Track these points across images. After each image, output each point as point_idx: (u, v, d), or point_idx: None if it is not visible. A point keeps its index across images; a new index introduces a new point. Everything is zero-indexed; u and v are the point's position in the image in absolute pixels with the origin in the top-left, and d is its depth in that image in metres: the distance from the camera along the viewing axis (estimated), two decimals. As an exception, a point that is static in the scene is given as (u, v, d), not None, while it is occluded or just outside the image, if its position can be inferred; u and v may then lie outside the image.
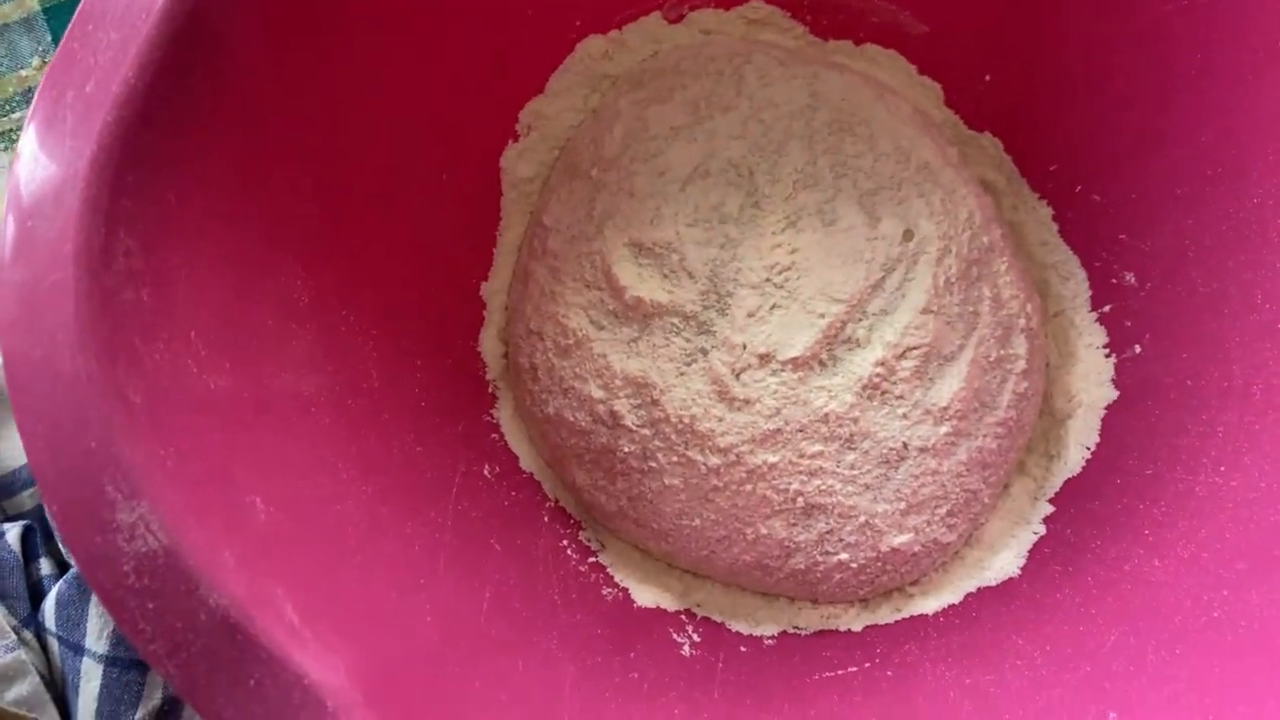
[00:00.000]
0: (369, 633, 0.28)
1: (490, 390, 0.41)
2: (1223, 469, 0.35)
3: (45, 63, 0.45)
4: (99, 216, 0.26)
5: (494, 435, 0.40)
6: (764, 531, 0.37)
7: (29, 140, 0.27)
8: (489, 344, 0.41)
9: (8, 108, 0.45)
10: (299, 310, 0.33)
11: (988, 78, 0.42)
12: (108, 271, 0.26)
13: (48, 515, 0.36)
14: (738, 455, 0.36)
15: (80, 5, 0.28)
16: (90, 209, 0.26)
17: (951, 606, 0.38)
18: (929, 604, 0.38)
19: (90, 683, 0.37)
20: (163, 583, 0.25)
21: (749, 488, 0.36)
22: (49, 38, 0.45)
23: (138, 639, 0.24)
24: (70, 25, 0.28)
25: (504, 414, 0.41)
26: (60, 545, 0.37)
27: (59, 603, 0.36)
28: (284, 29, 0.31)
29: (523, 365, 0.40)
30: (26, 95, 0.45)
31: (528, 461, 0.40)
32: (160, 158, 0.28)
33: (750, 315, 0.37)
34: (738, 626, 0.38)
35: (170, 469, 0.25)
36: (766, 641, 0.38)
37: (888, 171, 0.39)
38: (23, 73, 0.45)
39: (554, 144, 0.42)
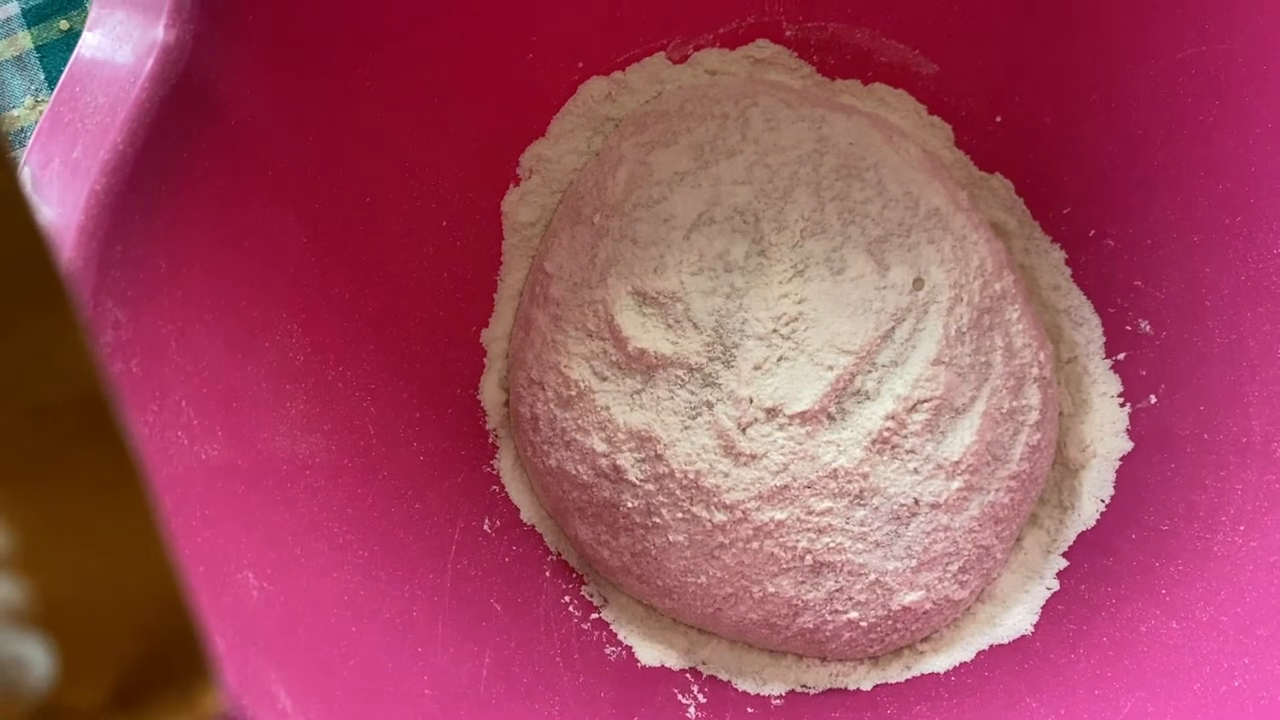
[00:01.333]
0: (365, 713, 0.27)
1: (491, 440, 0.40)
2: (1242, 528, 0.34)
3: (38, 102, 0.44)
4: (85, 291, 0.25)
5: (494, 487, 0.39)
6: (771, 590, 0.36)
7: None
8: (489, 392, 0.40)
9: None
10: (294, 369, 0.32)
11: (999, 118, 0.41)
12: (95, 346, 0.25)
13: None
14: (744, 512, 0.35)
15: (68, 67, 0.27)
16: (76, 283, 0.25)
17: (963, 664, 0.37)
18: (940, 662, 0.37)
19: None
20: (151, 671, 0.24)
21: (756, 545, 0.35)
22: (41, 76, 0.45)
23: (125, 731, 0.24)
24: (57, 88, 0.27)
25: (504, 464, 0.40)
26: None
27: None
28: (283, 84, 0.30)
29: (524, 415, 0.39)
30: (19, 135, 0.44)
31: (529, 513, 0.39)
32: (151, 224, 0.27)
33: (757, 368, 0.36)
34: (744, 685, 0.37)
35: (159, 553, 0.25)
36: (774, 701, 0.37)
37: (896, 218, 0.38)
38: (14, 112, 0.44)
39: (556, 188, 0.41)
